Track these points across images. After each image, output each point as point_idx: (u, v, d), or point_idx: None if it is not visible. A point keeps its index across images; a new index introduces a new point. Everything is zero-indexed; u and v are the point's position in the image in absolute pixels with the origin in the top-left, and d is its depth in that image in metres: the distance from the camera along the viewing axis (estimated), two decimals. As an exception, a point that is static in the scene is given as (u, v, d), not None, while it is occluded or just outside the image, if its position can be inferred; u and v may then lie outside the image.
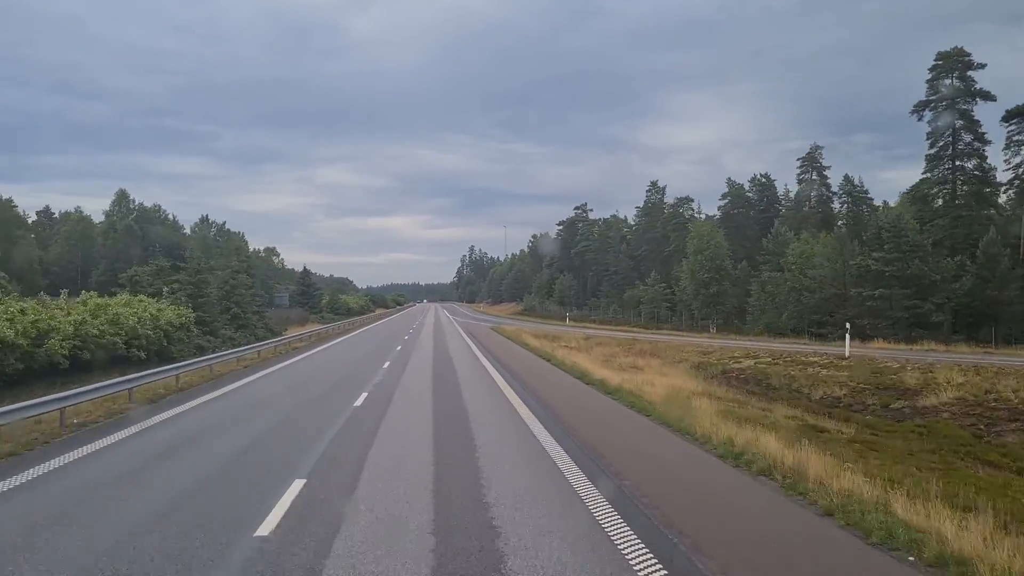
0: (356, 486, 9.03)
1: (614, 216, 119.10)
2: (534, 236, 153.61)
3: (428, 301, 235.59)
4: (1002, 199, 54.55)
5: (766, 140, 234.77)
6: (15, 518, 7.49)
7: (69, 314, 21.71)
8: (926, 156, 53.28)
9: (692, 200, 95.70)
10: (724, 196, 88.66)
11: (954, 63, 51.49)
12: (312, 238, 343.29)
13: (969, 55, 51.24)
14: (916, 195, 54.68)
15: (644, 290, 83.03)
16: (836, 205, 78.90)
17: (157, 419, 14.28)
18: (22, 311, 18.97)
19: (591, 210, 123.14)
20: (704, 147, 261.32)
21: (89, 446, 11.48)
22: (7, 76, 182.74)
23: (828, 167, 78.10)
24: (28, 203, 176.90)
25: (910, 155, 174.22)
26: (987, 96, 50.77)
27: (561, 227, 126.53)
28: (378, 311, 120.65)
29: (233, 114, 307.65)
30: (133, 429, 13.08)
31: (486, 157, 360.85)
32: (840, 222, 73.73)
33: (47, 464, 10.08)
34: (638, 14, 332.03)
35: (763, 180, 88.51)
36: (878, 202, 74.72)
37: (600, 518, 7.64)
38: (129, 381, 16.81)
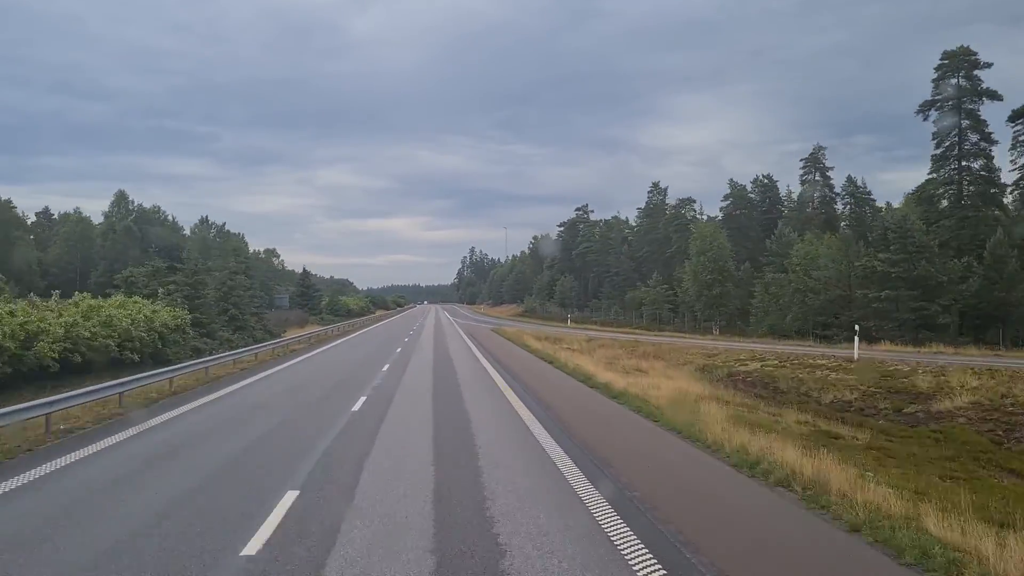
0: (352, 498, 8.52)
1: (615, 217, 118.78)
2: (535, 237, 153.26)
3: (428, 303, 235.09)
4: (1007, 200, 54.07)
5: (766, 142, 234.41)
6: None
7: (60, 316, 21.19)
8: (932, 156, 52.79)
9: (694, 201, 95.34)
10: (726, 197, 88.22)
11: (960, 62, 50.95)
12: (312, 239, 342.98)
13: (975, 54, 50.77)
14: (922, 196, 54.11)
15: (646, 291, 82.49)
16: (839, 206, 78.47)
17: (146, 425, 13.75)
18: (11, 313, 18.44)
19: (592, 211, 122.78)
20: (704, 148, 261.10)
21: (73, 455, 10.95)
22: (7, 76, 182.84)
23: (831, 167, 77.70)
24: (28, 204, 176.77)
25: (910, 156, 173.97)
26: (994, 96, 50.23)
27: (562, 228, 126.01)
28: (378, 313, 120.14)
29: (233, 114, 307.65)
30: (120, 436, 12.55)
31: (486, 158, 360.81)
32: (843, 223, 73.23)
33: (26, 475, 9.56)
34: (638, 14, 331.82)
35: (765, 181, 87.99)
36: (880, 204, 74.51)
37: (616, 539, 7.09)
38: (119, 385, 16.28)
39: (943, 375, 23.11)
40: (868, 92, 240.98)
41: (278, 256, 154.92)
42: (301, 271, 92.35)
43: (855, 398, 22.39)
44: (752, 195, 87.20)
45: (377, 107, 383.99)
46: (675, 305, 78.32)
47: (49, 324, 19.65)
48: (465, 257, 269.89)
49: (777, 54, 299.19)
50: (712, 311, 66.15)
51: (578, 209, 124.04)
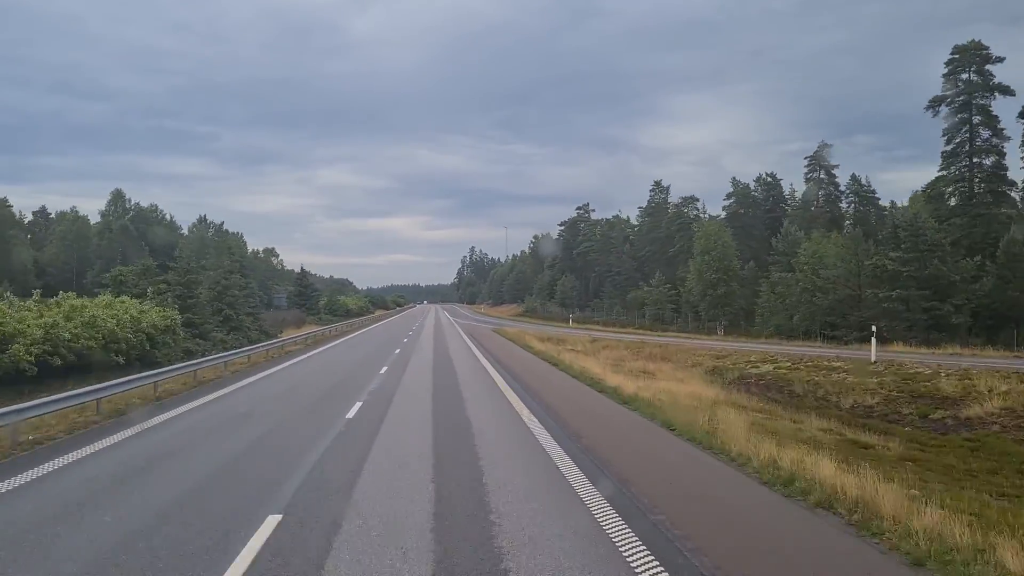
0: (340, 524, 7.46)
1: (617, 216, 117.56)
2: (535, 237, 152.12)
3: (428, 302, 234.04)
4: (1016, 196, 52.98)
5: (766, 142, 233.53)
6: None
7: (41, 316, 20.12)
8: (942, 153, 51.69)
9: (697, 200, 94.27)
10: (729, 196, 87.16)
11: (971, 57, 49.87)
12: (312, 239, 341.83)
13: (987, 48, 49.66)
14: (932, 193, 52.99)
15: (648, 291, 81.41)
16: (843, 205, 77.47)
17: (121, 435, 12.68)
18: (-16, 313, 17.37)
19: (593, 210, 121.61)
20: (704, 148, 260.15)
21: (36, 470, 9.90)
22: (7, 76, 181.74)
23: (836, 165, 76.68)
24: (27, 204, 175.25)
25: (911, 157, 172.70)
26: (1006, 91, 49.11)
27: (563, 227, 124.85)
28: (378, 312, 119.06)
29: (233, 114, 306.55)
30: (90, 448, 11.48)
31: (486, 158, 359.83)
32: (847, 222, 72.21)
33: (-28, 496, 8.49)
34: (638, 14, 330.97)
35: (769, 180, 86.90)
36: (883, 203, 73.55)
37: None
38: (98, 391, 15.20)
39: (968, 378, 22.00)
40: (868, 92, 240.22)
41: (277, 256, 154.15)
42: (299, 271, 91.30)
43: (877, 403, 21.30)
44: (756, 193, 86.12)
45: (377, 107, 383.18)
46: (678, 305, 77.26)
47: (27, 325, 18.58)
48: (465, 257, 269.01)
49: (777, 54, 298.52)
50: (717, 311, 65.05)
51: (579, 208, 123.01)
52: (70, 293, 23.96)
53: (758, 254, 72.41)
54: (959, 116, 50.56)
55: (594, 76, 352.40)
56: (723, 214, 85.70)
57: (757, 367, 29.53)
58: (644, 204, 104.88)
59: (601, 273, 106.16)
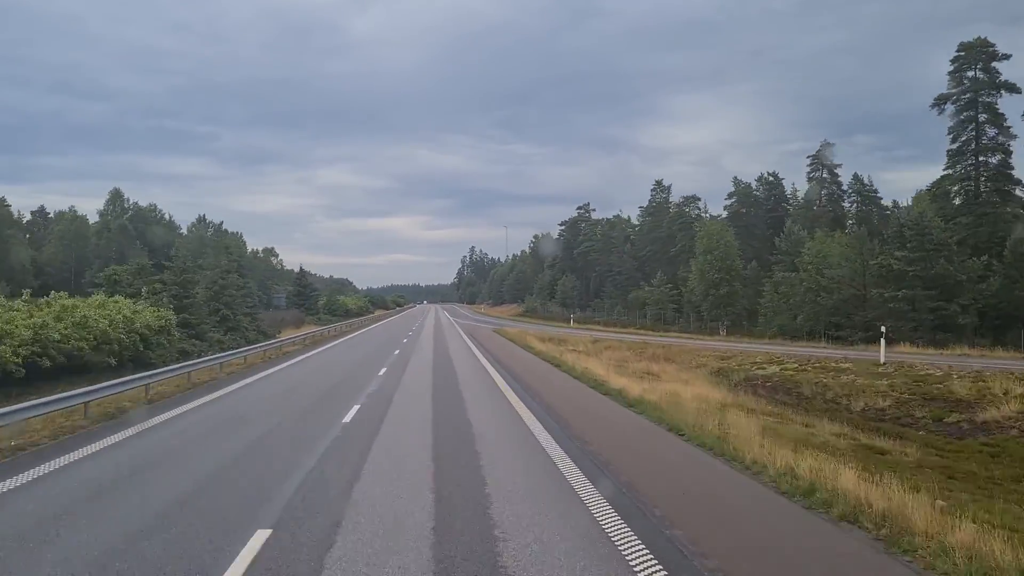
0: (335, 538, 6.95)
1: (617, 216, 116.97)
2: (535, 237, 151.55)
3: (428, 302, 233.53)
4: (1022, 194, 52.31)
5: (766, 142, 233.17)
6: None
7: (31, 316, 19.58)
8: (947, 151, 51.09)
9: (699, 199, 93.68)
10: (730, 195, 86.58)
11: (977, 54, 49.29)
12: (312, 239, 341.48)
13: (993, 45, 49.07)
14: (937, 192, 52.40)
15: (649, 291, 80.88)
16: (846, 204, 76.93)
17: (108, 441, 12.15)
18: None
19: (594, 210, 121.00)
20: (704, 148, 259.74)
21: (12, 480, 9.36)
22: (7, 76, 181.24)
23: (839, 165, 76.13)
24: (27, 204, 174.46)
25: (911, 157, 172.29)
26: (1012, 88, 48.49)
27: (563, 227, 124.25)
28: (377, 312, 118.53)
29: (233, 114, 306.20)
30: (74, 455, 10.96)
31: (486, 158, 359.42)
32: (850, 221, 71.69)
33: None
34: (638, 14, 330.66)
35: (771, 179, 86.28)
36: (885, 203, 73.06)
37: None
38: (86, 394, 14.67)
39: (982, 380, 21.45)
40: (868, 92, 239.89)
41: (276, 256, 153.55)
42: (298, 271, 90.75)
43: (888, 405, 20.75)
44: (757, 193, 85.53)
45: (377, 107, 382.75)
46: (679, 305, 76.74)
47: (15, 326, 18.05)
48: (465, 257, 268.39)
49: (777, 54, 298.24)
50: (719, 311, 64.50)
51: (579, 208, 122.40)
52: (62, 293, 23.44)
53: (760, 254, 71.88)
54: (965, 114, 49.98)
55: (594, 76, 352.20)
56: (725, 213, 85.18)
57: (763, 368, 28.99)
58: (644, 204, 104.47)
59: (602, 273, 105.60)
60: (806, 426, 16.34)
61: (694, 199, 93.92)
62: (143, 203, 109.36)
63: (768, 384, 26.08)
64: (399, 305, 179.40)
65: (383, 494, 8.58)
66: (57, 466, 10.23)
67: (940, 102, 51.10)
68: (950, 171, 51.36)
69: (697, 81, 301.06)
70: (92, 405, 15.20)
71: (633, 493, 9.06)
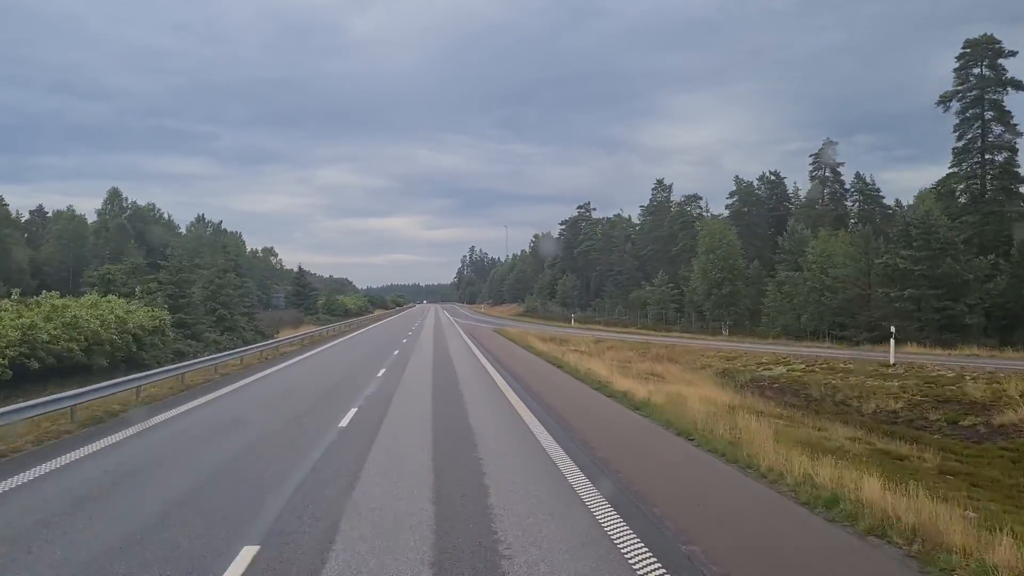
0: (327, 557, 6.41)
1: (618, 215, 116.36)
2: (535, 236, 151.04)
3: (428, 302, 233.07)
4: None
5: (766, 141, 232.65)
6: None
7: (20, 316, 19.04)
8: (953, 149, 50.44)
9: (700, 198, 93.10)
10: (732, 194, 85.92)
11: (983, 51, 48.73)
12: (312, 239, 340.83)
13: (999, 42, 48.49)
14: (942, 190, 51.79)
15: (651, 291, 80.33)
16: (848, 203, 76.42)
17: (92, 447, 11.61)
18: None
19: (594, 209, 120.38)
20: (704, 148, 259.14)
21: (-10, 489, 8.83)
22: (7, 76, 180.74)
23: (842, 163, 75.59)
24: (27, 204, 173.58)
25: (910, 156, 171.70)
26: (1019, 85, 47.91)
27: (563, 227, 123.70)
28: (377, 312, 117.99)
29: (233, 114, 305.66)
30: (56, 463, 10.42)
31: (486, 158, 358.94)
32: (852, 220, 71.17)
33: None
34: (638, 14, 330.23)
35: (772, 178, 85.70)
36: (887, 202, 72.54)
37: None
38: (73, 397, 14.13)
39: (996, 382, 20.92)
40: (868, 92, 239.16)
41: (276, 255, 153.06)
42: (296, 270, 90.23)
43: (900, 408, 20.20)
44: (759, 192, 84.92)
45: (377, 106, 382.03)
46: (681, 305, 76.21)
47: (2, 326, 17.52)
48: (465, 256, 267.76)
49: (777, 54, 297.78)
50: (721, 311, 63.94)
51: (580, 207, 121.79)
52: (53, 293, 22.88)
53: (762, 253, 71.37)
54: (971, 111, 49.41)
55: (594, 76, 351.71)
56: (726, 213, 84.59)
57: (770, 369, 28.44)
58: (644, 204, 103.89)
59: (602, 272, 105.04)
60: (818, 429, 15.82)
61: (695, 198, 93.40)
62: (142, 203, 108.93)
63: (775, 385, 25.56)
64: (399, 305, 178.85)
65: (379, 506, 8.05)
66: (37, 475, 9.71)
67: (945, 99, 50.54)
68: (956, 169, 50.76)
69: (697, 81, 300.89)
70: (80, 408, 14.69)
71: (644, 503, 8.55)
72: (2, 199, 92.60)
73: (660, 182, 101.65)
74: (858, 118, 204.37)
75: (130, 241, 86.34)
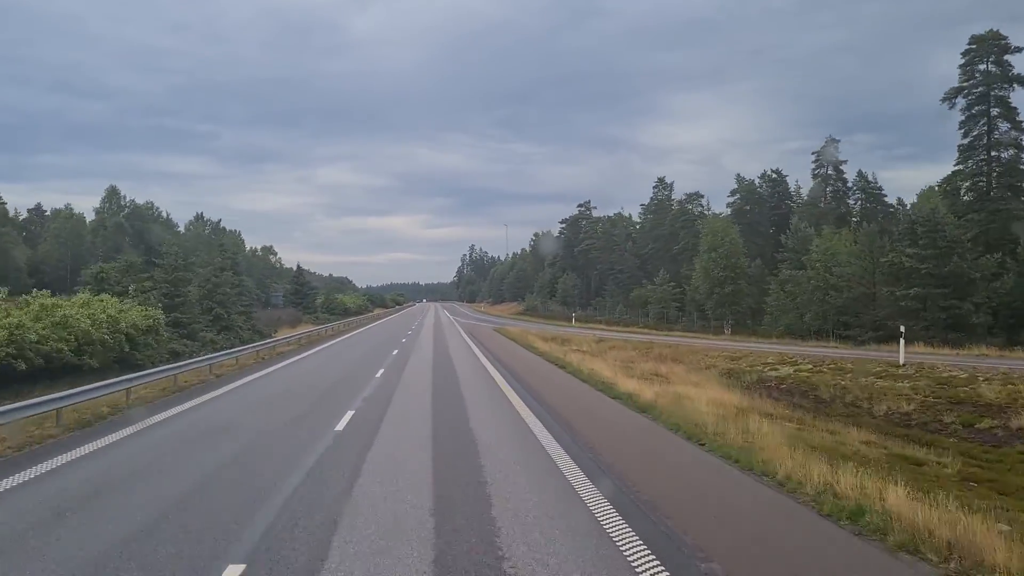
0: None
1: (619, 214, 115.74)
2: (535, 235, 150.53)
3: (428, 301, 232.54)
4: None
5: (766, 140, 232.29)
6: None
7: (8, 316, 18.51)
8: (958, 146, 49.84)
9: (702, 196, 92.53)
10: (733, 192, 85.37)
11: (989, 47, 48.15)
12: (312, 238, 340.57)
13: (1005, 38, 47.90)
14: (948, 188, 51.19)
15: (652, 289, 79.79)
16: (851, 201, 75.87)
17: (76, 453, 11.09)
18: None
19: (595, 207, 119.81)
20: (704, 147, 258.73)
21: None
22: (7, 75, 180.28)
23: (845, 161, 75.03)
24: (26, 203, 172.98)
25: (910, 155, 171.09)
26: (1024, 82, 47.38)
27: (564, 225, 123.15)
28: (377, 311, 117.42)
29: (233, 113, 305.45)
30: (37, 470, 9.89)
31: (486, 157, 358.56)
32: (854, 219, 70.64)
33: None
34: (638, 13, 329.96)
35: (774, 176, 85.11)
36: (888, 201, 72.01)
37: None
38: (59, 400, 13.58)
39: (1011, 383, 20.39)
40: (868, 91, 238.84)
41: (275, 254, 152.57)
42: (295, 268, 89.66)
43: (913, 409, 19.64)
44: (761, 190, 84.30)
45: (377, 106, 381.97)
46: (682, 303, 75.67)
47: (-10, 326, 17.00)
48: (465, 255, 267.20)
49: (777, 53, 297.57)
50: (723, 310, 63.37)
51: (580, 206, 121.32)
52: (44, 292, 22.34)
53: (764, 251, 70.86)
54: (976, 108, 48.83)
55: (594, 75, 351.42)
56: (727, 211, 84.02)
57: (776, 370, 27.88)
58: (645, 202, 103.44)
59: (603, 271, 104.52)
60: (831, 433, 15.28)
61: (697, 196, 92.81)
62: (141, 201, 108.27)
63: (783, 386, 25.02)
64: (398, 304, 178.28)
65: (375, 519, 7.52)
66: (17, 483, 9.20)
67: (951, 96, 49.97)
68: (961, 167, 50.16)
69: (697, 80, 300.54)
70: (68, 411, 14.18)
71: (656, 513, 8.05)
72: (0, 198, 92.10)
73: (661, 180, 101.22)
74: (858, 117, 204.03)
75: (124, 239, 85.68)
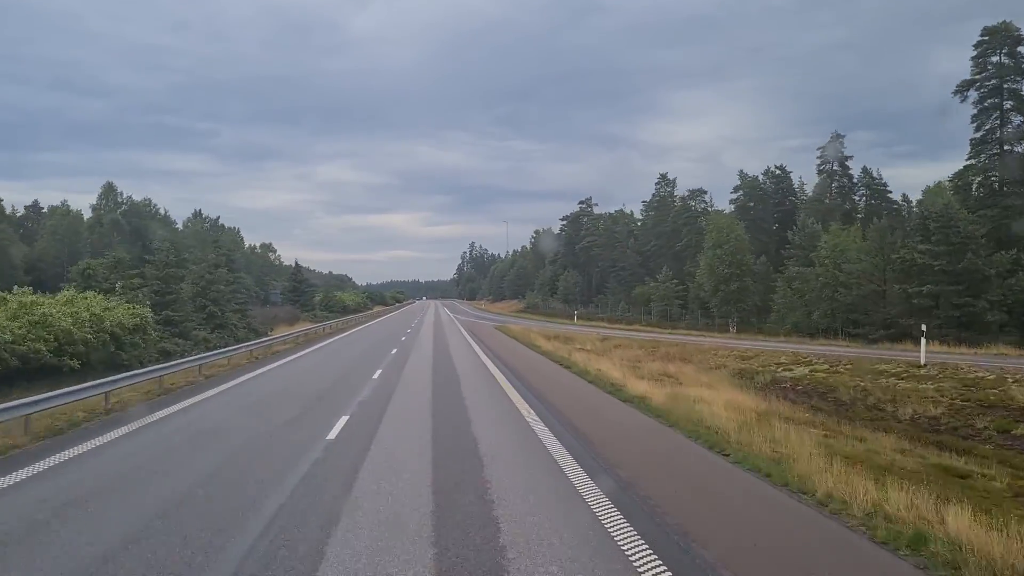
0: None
1: (620, 211, 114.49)
2: (536, 232, 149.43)
3: (428, 298, 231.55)
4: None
5: (766, 138, 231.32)
6: None
7: (-16, 314, 17.49)
8: (970, 140, 48.65)
9: (705, 192, 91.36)
10: (736, 189, 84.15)
11: (1002, 39, 47.01)
12: (312, 235, 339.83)
13: (1019, 30, 46.68)
14: (959, 184, 50.05)
15: (655, 287, 78.66)
16: (856, 198, 74.74)
17: (41, 466, 10.06)
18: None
19: (596, 204, 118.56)
20: (704, 145, 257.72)
21: None
22: (6, 73, 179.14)
23: (850, 157, 73.87)
24: (25, 201, 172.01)
25: (910, 153, 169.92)
26: (1039, 74, 46.23)
27: (565, 222, 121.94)
28: (376, 309, 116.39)
29: (233, 111, 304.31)
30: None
31: (486, 154, 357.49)
32: (859, 215, 69.51)
33: None
34: (638, 10, 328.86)
35: (778, 172, 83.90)
36: (893, 197, 70.94)
37: None
38: (27, 405, 12.53)
39: (1043, 385, 19.41)
40: (868, 88, 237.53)
41: (274, 251, 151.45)
42: (293, 265, 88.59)
43: (941, 413, 18.60)
44: (764, 187, 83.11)
45: (377, 104, 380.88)
46: (685, 301, 74.56)
47: (-39, 325, 15.96)
48: (465, 252, 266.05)
49: (777, 51, 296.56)
50: (729, 307, 62.25)
51: (581, 203, 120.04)
52: (25, 289, 21.31)
53: (768, 248, 69.77)
54: (989, 101, 47.70)
55: (594, 73, 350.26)
56: (731, 208, 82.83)
57: (790, 370, 26.82)
58: (646, 199, 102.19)
59: (604, 268, 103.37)
60: (860, 440, 14.23)
61: (700, 192, 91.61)
62: (135, 197, 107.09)
63: (798, 388, 23.97)
64: (398, 301, 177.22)
65: (367, 543, 6.48)
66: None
67: (963, 89, 48.80)
68: (973, 161, 49.00)
69: (697, 77, 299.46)
70: (42, 417, 13.16)
71: (685, 539, 7.02)
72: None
73: (663, 176, 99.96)
74: (858, 115, 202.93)
75: (114, 235, 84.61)
